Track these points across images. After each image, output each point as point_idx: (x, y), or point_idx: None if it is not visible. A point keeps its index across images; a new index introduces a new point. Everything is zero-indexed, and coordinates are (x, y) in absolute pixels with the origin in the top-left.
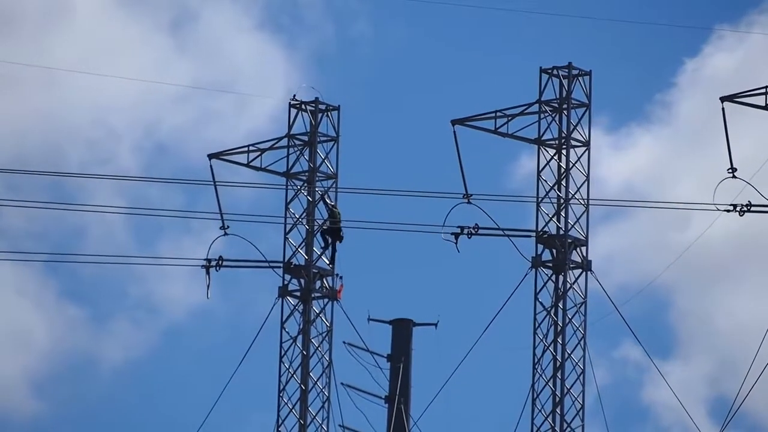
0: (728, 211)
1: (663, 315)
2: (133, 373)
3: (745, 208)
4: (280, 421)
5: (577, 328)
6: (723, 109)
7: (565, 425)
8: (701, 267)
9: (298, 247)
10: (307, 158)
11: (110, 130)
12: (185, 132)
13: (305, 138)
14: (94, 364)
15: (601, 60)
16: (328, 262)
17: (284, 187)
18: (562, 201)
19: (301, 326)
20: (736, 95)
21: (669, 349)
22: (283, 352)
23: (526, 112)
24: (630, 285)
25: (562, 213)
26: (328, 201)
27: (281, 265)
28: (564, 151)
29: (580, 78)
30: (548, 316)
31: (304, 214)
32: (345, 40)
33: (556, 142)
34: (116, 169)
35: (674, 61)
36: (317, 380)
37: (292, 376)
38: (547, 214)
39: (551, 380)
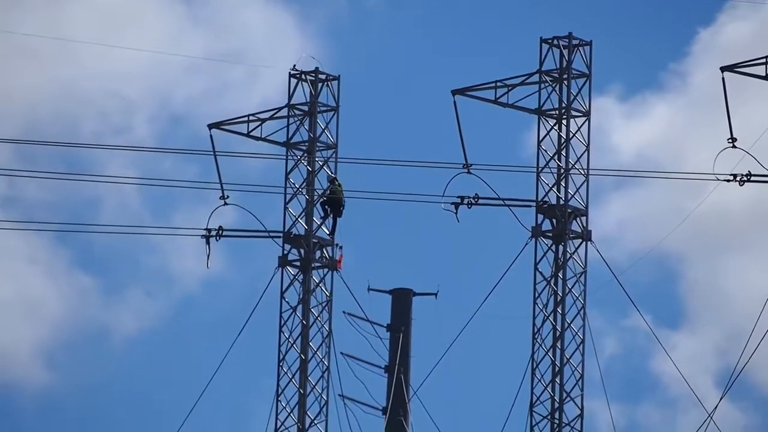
0: (728, 180)
1: (672, 284)
2: (145, 344)
3: (744, 178)
4: (280, 391)
5: (577, 298)
6: (723, 78)
7: (565, 395)
8: (711, 236)
9: (298, 216)
10: (307, 128)
11: (123, 100)
12: (198, 102)
13: (305, 108)
14: (106, 334)
15: (615, 29)
16: (327, 232)
17: (284, 157)
18: (562, 171)
19: (301, 296)
20: (736, 65)
21: (678, 318)
22: (282, 322)
23: (526, 82)
24: (640, 254)
25: (562, 183)
26: (329, 173)
27: (281, 235)
28: (564, 121)
29: (580, 48)
30: (548, 286)
31: (304, 184)
32: (356, 12)
33: (557, 112)
34: (129, 140)
35: (689, 31)
36: (317, 350)
37: (292, 345)
38: (548, 184)
39: (551, 350)
